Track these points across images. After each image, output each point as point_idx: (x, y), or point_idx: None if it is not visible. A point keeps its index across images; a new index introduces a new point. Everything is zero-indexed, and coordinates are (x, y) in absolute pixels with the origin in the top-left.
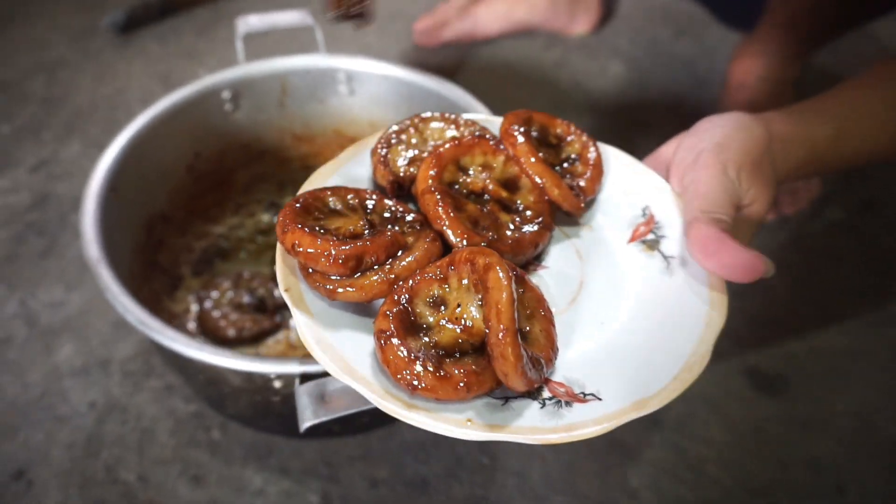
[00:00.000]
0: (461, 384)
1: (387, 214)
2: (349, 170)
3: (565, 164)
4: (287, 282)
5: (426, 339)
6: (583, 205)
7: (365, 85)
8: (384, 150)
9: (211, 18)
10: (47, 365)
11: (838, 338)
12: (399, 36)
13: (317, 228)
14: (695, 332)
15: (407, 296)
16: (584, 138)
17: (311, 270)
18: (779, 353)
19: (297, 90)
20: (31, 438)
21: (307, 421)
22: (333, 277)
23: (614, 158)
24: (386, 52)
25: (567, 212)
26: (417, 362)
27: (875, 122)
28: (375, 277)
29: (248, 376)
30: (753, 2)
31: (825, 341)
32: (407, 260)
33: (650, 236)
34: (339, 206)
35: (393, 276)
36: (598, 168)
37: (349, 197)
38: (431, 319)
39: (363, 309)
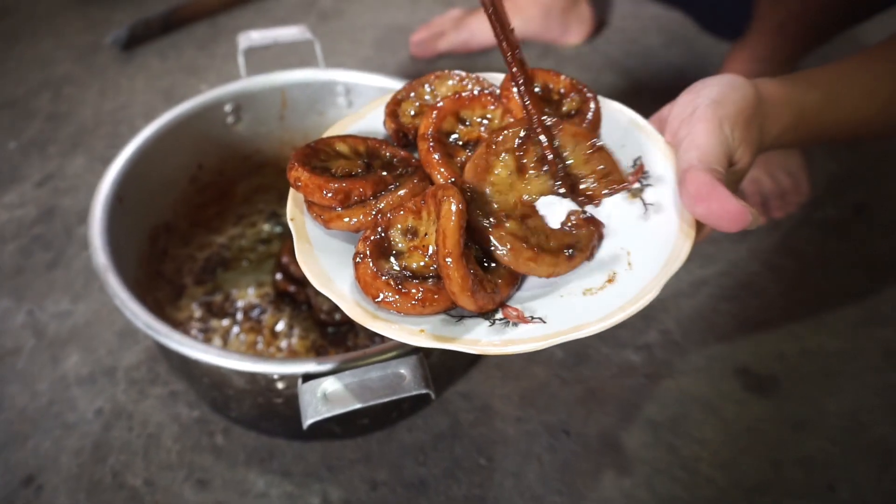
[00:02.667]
0: (417, 299)
1: (386, 160)
2: (367, 122)
3: (565, 118)
4: (293, 212)
5: (397, 263)
6: None
7: (363, 97)
8: (396, 105)
9: (210, 34)
10: (55, 374)
11: (829, 339)
12: (396, 48)
13: (318, 168)
14: (650, 271)
15: (384, 226)
16: (586, 93)
17: (311, 203)
18: (771, 355)
19: (296, 103)
20: (40, 445)
21: (310, 418)
22: (330, 209)
23: (618, 113)
24: (383, 63)
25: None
26: (382, 278)
27: (864, 92)
28: (361, 210)
29: (252, 377)
30: (738, 12)
31: (816, 342)
32: (391, 196)
33: (636, 185)
34: (345, 151)
35: (376, 210)
36: (594, 122)
37: (356, 145)
38: (402, 246)
39: (353, 239)
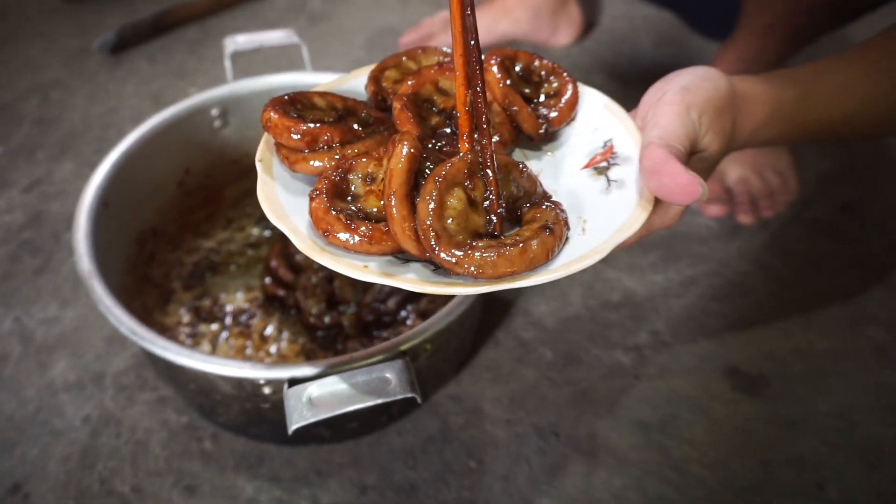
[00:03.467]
0: (365, 236)
1: (363, 118)
2: (351, 86)
3: (543, 98)
4: (262, 154)
5: (352, 205)
6: (542, 130)
7: None
8: (380, 71)
9: (199, 37)
10: (42, 380)
11: (819, 338)
12: (386, 50)
13: (291, 114)
14: (605, 233)
15: (344, 169)
16: (566, 77)
17: (279, 146)
18: (761, 354)
19: None
20: (27, 453)
21: (295, 423)
22: (296, 153)
23: (595, 99)
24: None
25: (529, 136)
26: (333, 213)
27: (840, 89)
28: (326, 155)
29: (238, 383)
30: (726, 12)
31: (807, 342)
32: (357, 146)
33: (603, 164)
34: (321, 105)
35: (339, 155)
36: (570, 104)
37: (334, 102)
38: (360, 190)
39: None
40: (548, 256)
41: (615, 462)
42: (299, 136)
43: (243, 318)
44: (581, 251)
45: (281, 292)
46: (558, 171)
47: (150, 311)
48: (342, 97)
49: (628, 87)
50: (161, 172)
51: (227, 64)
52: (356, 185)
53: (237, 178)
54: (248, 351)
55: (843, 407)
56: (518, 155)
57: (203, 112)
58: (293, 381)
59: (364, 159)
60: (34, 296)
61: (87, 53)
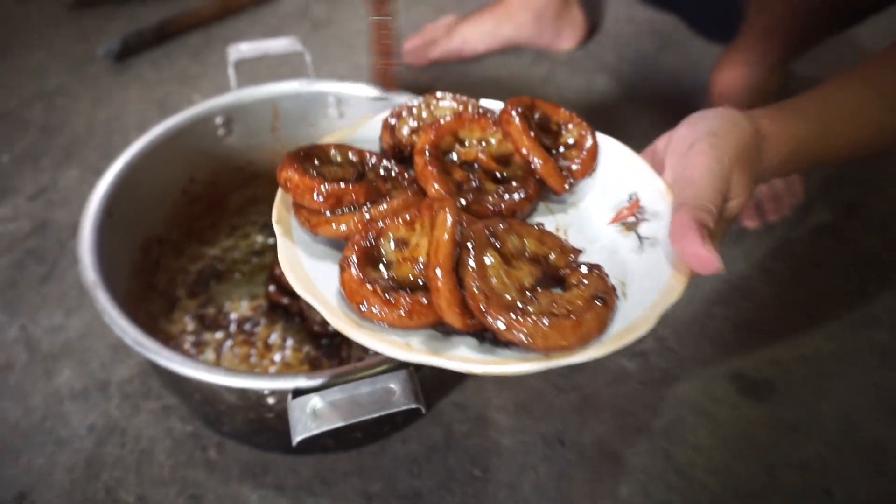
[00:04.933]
0: (404, 310)
1: (381, 172)
2: (363, 135)
3: (562, 149)
4: (280, 216)
5: (385, 273)
6: (568, 185)
7: (354, 108)
8: (393, 120)
9: (204, 44)
10: (48, 389)
11: (823, 341)
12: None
13: (310, 171)
14: (648, 299)
15: (375, 234)
16: (583, 127)
17: (299, 207)
18: (764, 358)
19: (288, 114)
20: (32, 461)
21: (299, 434)
22: (317, 214)
23: (613, 149)
24: None
25: (553, 190)
26: (369, 286)
27: (856, 120)
28: (352, 217)
29: (243, 393)
30: (730, 14)
31: (810, 345)
32: (384, 205)
33: (631, 219)
34: (339, 159)
35: (367, 216)
36: (591, 155)
37: (350, 154)
38: (393, 257)
39: (340, 247)
40: (601, 330)
41: (620, 469)
42: (323, 198)
43: (248, 326)
44: (629, 320)
45: (285, 300)
46: (586, 226)
47: (154, 319)
48: (358, 149)
49: (633, 91)
50: (165, 180)
51: (231, 72)
52: (388, 251)
53: (241, 185)
54: (253, 359)
55: (847, 410)
56: (542, 209)
57: (207, 120)
58: (297, 392)
59: (393, 222)
60: (40, 303)
61: (91, 60)
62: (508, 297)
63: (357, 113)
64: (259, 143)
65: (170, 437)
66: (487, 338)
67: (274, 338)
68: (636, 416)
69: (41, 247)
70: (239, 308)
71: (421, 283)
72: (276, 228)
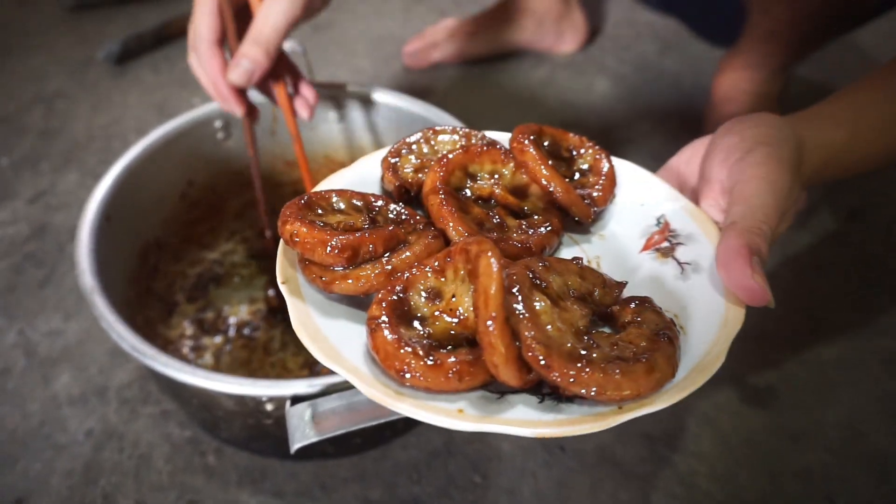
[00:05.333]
0: (452, 372)
1: (391, 216)
2: (360, 177)
3: (577, 176)
4: (285, 274)
5: (420, 329)
6: (593, 214)
7: (354, 111)
8: (394, 159)
9: None
10: (46, 394)
11: (827, 348)
12: (389, 58)
13: (317, 222)
14: (710, 332)
15: (402, 287)
16: (597, 150)
17: (308, 263)
18: (768, 365)
19: None
20: (30, 467)
21: (297, 442)
22: (330, 269)
23: (628, 171)
24: (377, 74)
25: (577, 219)
26: (408, 349)
27: (885, 125)
28: (371, 269)
29: (240, 399)
30: (731, 18)
31: (814, 352)
32: (405, 254)
33: (664, 244)
34: (342, 206)
35: (389, 267)
36: (610, 179)
37: (354, 199)
38: (426, 311)
39: (359, 303)
40: (674, 372)
41: (621, 476)
42: (338, 251)
43: (247, 330)
44: (695, 357)
45: (285, 304)
46: (618, 257)
47: (153, 324)
48: (360, 193)
49: (634, 94)
50: (164, 185)
51: None
52: (419, 304)
53: (240, 189)
54: (252, 364)
55: (851, 418)
56: (568, 241)
57: (206, 124)
58: (296, 399)
59: (420, 271)
60: (38, 308)
61: (90, 64)
62: (568, 344)
63: (356, 116)
64: (258, 146)
65: (168, 442)
66: (546, 392)
67: (274, 342)
68: (637, 422)
69: (40, 251)
70: (238, 312)
71: (464, 337)
72: (283, 289)
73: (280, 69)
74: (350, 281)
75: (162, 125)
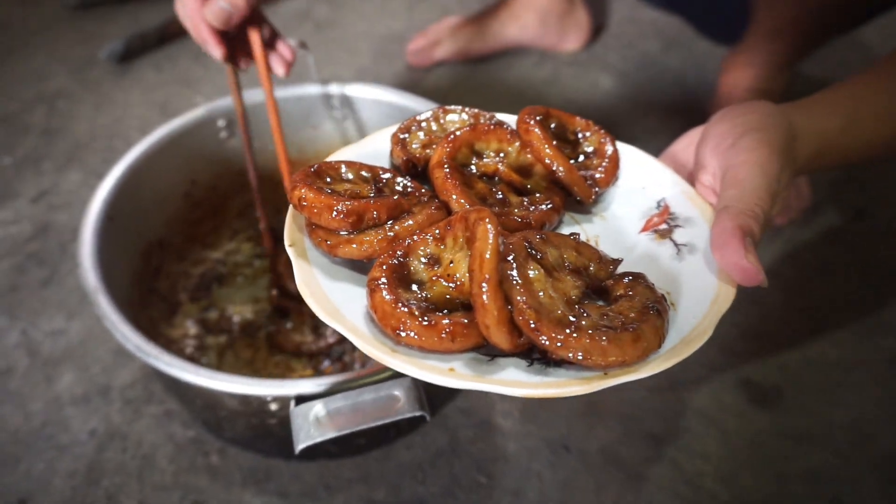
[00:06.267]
0: (445, 332)
1: (397, 188)
2: (369, 151)
3: (582, 158)
4: (293, 238)
5: (418, 293)
6: (595, 194)
7: (357, 110)
8: (403, 134)
9: None
10: (48, 394)
11: (832, 349)
12: (392, 57)
13: (325, 189)
14: (700, 308)
15: (403, 252)
16: (602, 134)
17: (314, 227)
18: (773, 366)
19: (291, 117)
20: (32, 468)
21: (302, 442)
22: (336, 234)
23: (632, 155)
24: (380, 73)
25: (579, 199)
26: (404, 308)
27: (882, 115)
28: (374, 235)
29: (244, 399)
30: (734, 16)
31: (819, 352)
32: (408, 222)
33: (663, 226)
34: (350, 176)
35: (392, 234)
36: (613, 162)
37: (362, 171)
38: (425, 276)
39: (362, 268)
40: (660, 342)
41: (626, 477)
42: (343, 216)
43: (250, 329)
44: (683, 331)
45: (288, 303)
46: (616, 236)
47: (156, 324)
48: (369, 165)
49: (638, 92)
50: (167, 184)
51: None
52: (418, 269)
53: (243, 188)
54: (255, 363)
55: (857, 419)
56: (569, 220)
57: (209, 123)
58: (300, 399)
59: (421, 238)
60: (41, 308)
61: (92, 63)
62: (558, 311)
63: (360, 115)
64: (262, 145)
65: (171, 442)
66: (535, 357)
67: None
68: (643, 423)
69: (42, 250)
70: (241, 311)
71: (459, 302)
72: (290, 251)
73: (257, 22)
74: (354, 245)
75: (164, 124)
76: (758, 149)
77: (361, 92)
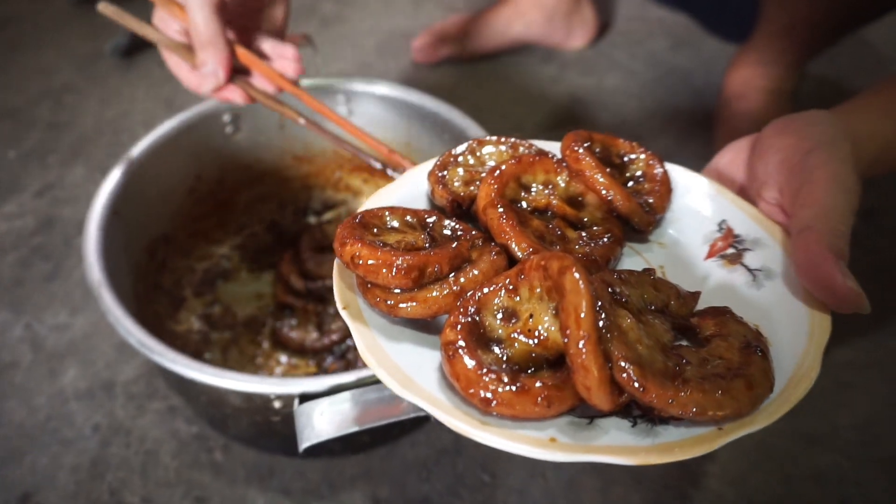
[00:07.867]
0: (541, 398)
1: (447, 232)
2: (406, 192)
3: (631, 183)
4: (345, 299)
5: (498, 353)
6: (653, 221)
7: (363, 105)
8: (442, 172)
9: None
10: (53, 388)
11: (841, 350)
12: (398, 54)
13: (377, 242)
14: (798, 343)
15: (474, 308)
16: (650, 156)
17: (370, 286)
18: None
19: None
20: (36, 462)
21: (306, 441)
22: (395, 292)
23: (680, 175)
24: (386, 69)
25: (636, 228)
26: (491, 375)
27: None
28: (439, 290)
29: (248, 397)
30: (743, 14)
31: (827, 354)
32: (472, 272)
33: (730, 250)
34: (395, 224)
35: (458, 288)
36: (665, 184)
37: (406, 216)
38: (502, 332)
39: (426, 326)
40: (771, 387)
41: (632, 477)
42: (404, 272)
43: (254, 325)
44: (788, 369)
45: (292, 299)
46: (684, 266)
47: (160, 319)
48: (413, 210)
49: (645, 90)
50: (172, 179)
51: None
52: (494, 326)
53: (248, 184)
54: (259, 360)
55: (865, 420)
56: (629, 251)
57: (215, 118)
58: (304, 397)
59: (492, 290)
60: (45, 302)
61: (98, 57)
62: (659, 363)
63: (366, 111)
64: (267, 140)
65: (175, 438)
66: (637, 415)
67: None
68: None
69: (47, 244)
70: (246, 307)
71: (543, 358)
72: (344, 315)
73: (249, 44)
74: (417, 304)
75: (170, 119)
76: (831, 164)
77: (366, 88)
